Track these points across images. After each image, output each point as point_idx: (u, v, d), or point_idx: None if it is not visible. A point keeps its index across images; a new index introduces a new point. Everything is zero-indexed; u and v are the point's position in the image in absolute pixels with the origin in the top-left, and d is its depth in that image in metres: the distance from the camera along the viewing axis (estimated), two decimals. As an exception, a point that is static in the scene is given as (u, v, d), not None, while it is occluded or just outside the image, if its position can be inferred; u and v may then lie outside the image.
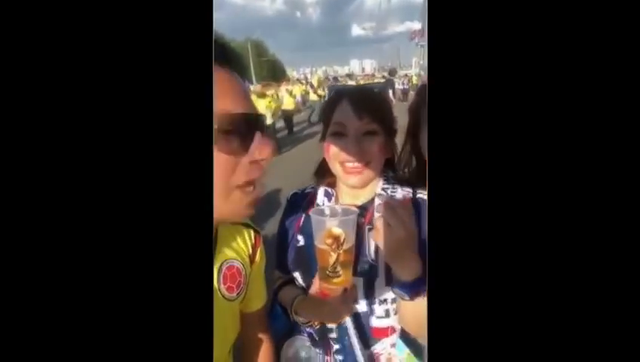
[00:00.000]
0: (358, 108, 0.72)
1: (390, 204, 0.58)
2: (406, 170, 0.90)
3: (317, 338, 0.78)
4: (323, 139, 0.78)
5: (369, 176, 0.74)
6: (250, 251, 0.67)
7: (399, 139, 0.86)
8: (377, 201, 0.71)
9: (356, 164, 0.72)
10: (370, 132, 0.72)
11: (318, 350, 0.78)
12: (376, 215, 0.60)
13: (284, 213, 0.88)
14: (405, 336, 0.73)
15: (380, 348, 0.75)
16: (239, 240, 0.66)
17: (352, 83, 9.98)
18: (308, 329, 0.79)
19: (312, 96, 11.21)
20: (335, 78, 11.93)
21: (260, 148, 0.46)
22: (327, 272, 0.64)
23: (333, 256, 0.62)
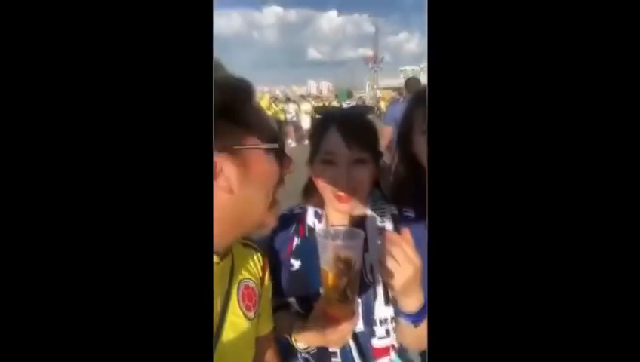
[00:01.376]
0: (347, 138, 0.72)
1: (395, 241, 0.60)
2: (393, 182, 0.94)
3: None
4: (311, 163, 0.79)
5: (359, 202, 0.77)
6: (261, 273, 0.70)
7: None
8: (379, 237, 0.72)
9: (346, 192, 0.73)
10: (360, 161, 0.74)
11: None
12: (382, 252, 0.62)
13: (272, 235, 0.86)
14: (401, 353, 0.75)
15: None
16: (251, 262, 0.68)
17: (307, 104, 9.88)
18: (304, 355, 0.78)
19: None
20: (287, 99, 11.70)
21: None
22: (337, 297, 0.62)
23: (344, 281, 0.61)
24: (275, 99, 11.75)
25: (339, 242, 0.63)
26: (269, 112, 10.82)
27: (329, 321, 0.66)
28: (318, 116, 0.85)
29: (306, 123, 9.63)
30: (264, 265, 0.72)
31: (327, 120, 0.77)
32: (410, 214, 0.81)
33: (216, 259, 0.56)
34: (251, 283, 0.65)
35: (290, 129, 10.21)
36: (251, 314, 0.63)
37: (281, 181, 0.60)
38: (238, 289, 0.62)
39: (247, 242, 0.71)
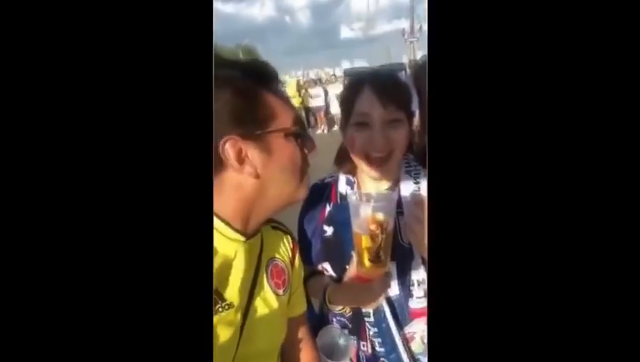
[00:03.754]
0: (382, 97, 0.71)
1: (424, 205, 0.61)
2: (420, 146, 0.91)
3: (350, 326, 0.80)
4: (344, 127, 0.78)
5: (393, 166, 0.76)
6: (290, 255, 0.73)
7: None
8: (410, 200, 0.72)
9: (382, 154, 0.73)
10: (395, 121, 0.72)
11: (352, 336, 0.80)
12: (411, 215, 0.64)
13: (305, 205, 0.87)
14: None
15: (413, 328, 0.77)
16: (280, 243, 0.72)
17: (339, 86, 9.37)
18: (338, 318, 0.81)
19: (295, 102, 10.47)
20: (317, 81, 11.10)
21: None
22: (371, 258, 0.64)
23: (377, 242, 0.63)
24: (304, 83, 11.25)
25: (371, 204, 0.63)
26: (296, 100, 10.48)
27: (362, 283, 0.68)
28: (348, 78, 0.83)
29: (336, 107, 9.07)
30: (294, 247, 0.75)
31: (359, 81, 0.75)
32: None
33: (242, 238, 0.59)
34: (280, 263, 0.69)
35: (320, 115, 9.72)
36: (280, 291, 0.66)
37: (305, 162, 0.62)
38: (267, 268, 0.65)
39: (277, 225, 0.75)
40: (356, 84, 0.75)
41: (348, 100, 0.75)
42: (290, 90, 10.69)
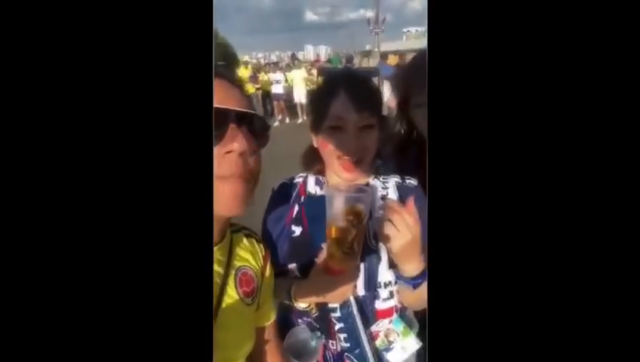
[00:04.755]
0: (357, 103, 0.72)
1: (396, 210, 0.63)
2: (395, 150, 0.98)
3: (317, 325, 0.82)
4: (315, 129, 0.79)
5: (364, 169, 0.79)
6: (262, 263, 0.73)
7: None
8: (382, 203, 0.74)
9: (354, 158, 0.75)
10: (368, 126, 0.75)
11: (322, 337, 0.81)
12: (383, 219, 0.65)
13: (272, 204, 0.87)
14: (402, 312, 0.81)
15: (379, 327, 0.80)
16: (252, 250, 0.72)
17: (302, 71, 8.84)
18: (304, 318, 0.83)
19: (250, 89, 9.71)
20: (276, 64, 10.43)
21: (231, 141, 0.52)
22: (345, 249, 0.65)
23: (353, 233, 0.63)
24: (265, 65, 10.50)
25: (349, 195, 0.64)
26: (251, 86, 9.53)
27: (332, 275, 0.68)
28: (322, 78, 0.83)
29: (299, 94, 8.51)
30: (265, 255, 0.75)
31: (334, 83, 0.76)
32: (413, 182, 0.84)
33: None
34: (250, 271, 0.69)
35: (280, 104, 9.08)
36: (249, 300, 0.66)
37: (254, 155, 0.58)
38: (236, 276, 0.65)
39: (250, 233, 0.74)
40: (331, 87, 0.76)
41: (322, 102, 0.76)
42: (243, 74, 9.50)
